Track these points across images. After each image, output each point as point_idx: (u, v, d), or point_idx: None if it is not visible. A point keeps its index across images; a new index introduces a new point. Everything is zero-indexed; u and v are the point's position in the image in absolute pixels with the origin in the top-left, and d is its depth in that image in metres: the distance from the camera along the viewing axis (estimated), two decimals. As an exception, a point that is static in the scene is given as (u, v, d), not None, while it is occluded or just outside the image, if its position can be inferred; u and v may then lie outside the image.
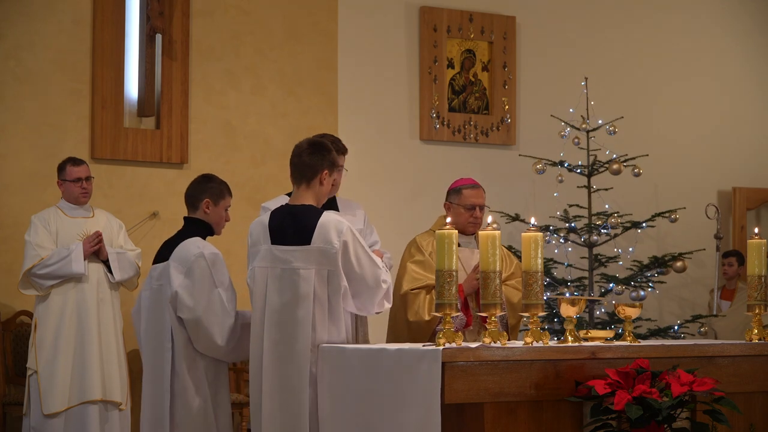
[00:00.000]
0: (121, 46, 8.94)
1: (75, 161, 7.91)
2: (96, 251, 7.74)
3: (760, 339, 5.85)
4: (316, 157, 5.64)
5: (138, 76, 9.00)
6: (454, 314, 5.14)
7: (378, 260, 5.65)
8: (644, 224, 10.09)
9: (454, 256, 5.14)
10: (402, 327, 6.47)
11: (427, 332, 6.40)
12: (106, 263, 7.80)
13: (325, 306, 5.50)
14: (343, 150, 6.27)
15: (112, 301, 7.79)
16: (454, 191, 6.60)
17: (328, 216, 5.57)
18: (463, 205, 6.55)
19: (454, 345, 5.02)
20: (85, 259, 7.70)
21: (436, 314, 5.16)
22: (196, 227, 6.08)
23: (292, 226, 5.56)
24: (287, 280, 5.51)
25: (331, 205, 6.30)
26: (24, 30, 8.68)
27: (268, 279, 5.55)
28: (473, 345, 5.11)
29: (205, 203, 6.07)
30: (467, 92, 10.26)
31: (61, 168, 7.90)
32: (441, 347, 4.95)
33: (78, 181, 7.85)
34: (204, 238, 6.06)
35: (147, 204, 8.93)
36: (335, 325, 5.54)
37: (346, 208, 6.42)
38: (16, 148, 8.62)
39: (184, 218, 6.17)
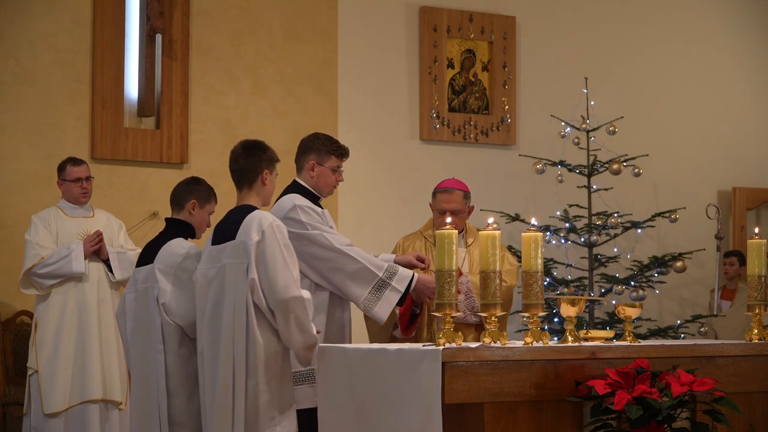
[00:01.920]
0: (121, 46, 8.95)
1: (75, 161, 7.92)
2: (96, 251, 7.74)
3: (760, 339, 5.85)
4: (253, 159, 5.61)
5: (138, 76, 9.00)
6: (454, 314, 5.14)
7: (296, 273, 5.41)
8: (644, 224, 10.09)
9: (454, 256, 5.14)
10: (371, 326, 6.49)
11: (383, 334, 6.40)
12: (106, 263, 7.80)
13: (243, 302, 5.36)
14: (345, 153, 6.23)
15: (113, 301, 7.79)
16: (432, 193, 6.63)
17: (258, 212, 5.49)
18: (435, 209, 6.56)
19: (454, 345, 5.02)
20: (85, 259, 7.70)
21: (436, 314, 5.16)
22: (179, 228, 6.02)
23: (227, 225, 5.55)
24: (218, 277, 5.48)
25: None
26: (24, 30, 8.68)
27: (208, 280, 5.54)
28: (473, 345, 5.11)
29: (192, 204, 6.02)
30: (467, 92, 10.26)
31: (61, 168, 7.91)
32: (441, 347, 4.95)
33: (78, 181, 7.86)
34: (186, 240, 6.01)
35: (147, 204, 8.93)
36: (264, 322, 5.38)
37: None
38: (16, 148, 8.62)
39: (166, 219, 6.14)
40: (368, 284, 5.94)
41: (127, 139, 8.91)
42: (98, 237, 7.72)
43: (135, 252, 7.96)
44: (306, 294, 5.40)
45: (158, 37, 9.01)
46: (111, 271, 7.79)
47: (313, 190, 6.15)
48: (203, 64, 9.25)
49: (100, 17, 8.87)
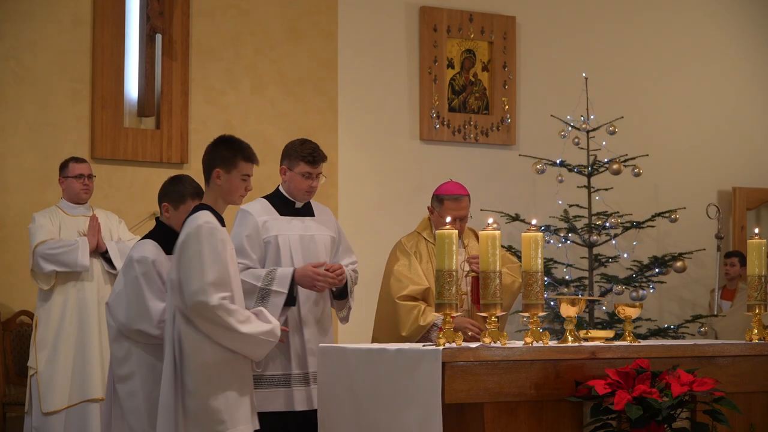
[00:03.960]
0: (121, 46, 8.95)
1: (77, 159, 7.95)
2: (95, 246, 7.70)
3: (760, 339, 5.86)
4: (210, 156, 5.44)
5: (138, 76, 9.00)
6: (454, 314, 5.15)
7: (211, 277, 5.19)
8: (644, 224, 10.09)
9: (454, 256, 5.14)
10: (393, 335, 6.43)
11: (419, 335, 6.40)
12: (105, 256, 7.75)
13: (172, 306, 5.32)
14: (315, 160, 6.21)
15: (113, 299, 7.76)
16: (437, 198, 6.56)
17: (196, 213, 5.33)
18: (443, 216, 6.51)
19: (454, 345, 5.02)
20: (90, 255, 7.66)
21: (436, 314, 5.16)
22: (162, 230, 5.88)
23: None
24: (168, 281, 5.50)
25: (308, 209, 6.31)
26: (24, 30, 8.68)
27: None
28: (473, 345, 5.12)
29: (164, 206, 5.89)
30: (467, 92, 10.26)
31: (63, 166, 7.90)
32: (441, 347, 4.95)
33: (80, 177, 7.84)
34: (166, 243, 5.75)
35: (147, 204, 8.92)
36: (191, 328, 5.30)
37: (321, 212, 6.41)
38: (16, 148, 8.62)
39: (156, 219, 6.08)
40: (253, 296, 5.95)
41: (127, 139, 8.91)
42: (95, 223, 7.69)
43: (134, 240, 7.89)
44: (215, 301, 5.17)
45: (158, 37, 9.01)
46: (111, 265, 7.74)
47: (287, 195, 6.21)
48: (203, 64, 9.25)
49: (100, 17, 8.87)
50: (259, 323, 5.36)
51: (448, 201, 6.51)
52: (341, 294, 6.23)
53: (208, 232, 5.26)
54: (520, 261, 5.62)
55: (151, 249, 5.74)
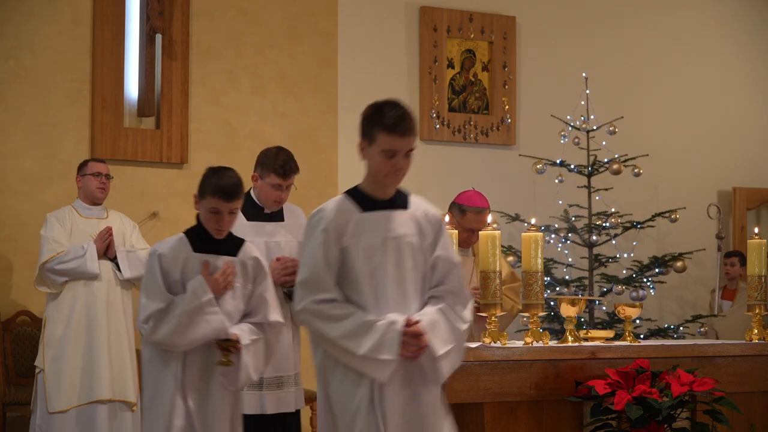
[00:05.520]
0: (121, 46, 8.95)
1: (97, 159, 8.00)
2: (105, 249, 7.70)
3: (760, 339, 5.86)
4: None
5: (138, 76, 9.00)
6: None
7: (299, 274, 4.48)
8: (644, 224, 10.09)
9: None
10: None
11: None
12: (114, 261, 7.75)
13: None
14: (286, 173, 6.10)
15: (123, 301, 7.72)
16: (459, 207, 6.39)
17: None
18: (464, 226, 6.44)
19: (454, 345, 5.01)
20: (99, 258, 7.66)
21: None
22: (198, 225, 5.30)
23: None
24: None
25: (278, 213, 6.22)
26: (24, 30, 8.69)
27: None
28: (473, 345, 5.12)
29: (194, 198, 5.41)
30: (467, 92, 10.26)
31: (82, 165, 7.90)
32: (441, 347, 4.94)
33: (98, 175, 7.82)
34: (198, 239, 5.20)
35: (147, 204, 8.93)
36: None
37: (291, 215, 6.29)
38: (16, 148, 8.62)
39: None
40: None
41: (127, 139, 8.91)
42: (108, 233, 7.69)
43: (145, 251, 7.88)
44: (299, 305, 4.44)
45: (158, 37, 9.01)
46: (120, 269, 7.73)
47: (257, 200, 6.19)
48: (203, 64, 9.25)
49: (100, 17, 8.87)
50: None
51: (471, 213, 6.34)
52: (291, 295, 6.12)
53: (310, 224, 4.66)
54: (520, 261, 5.61)
55: (168, 242, 5.14)
